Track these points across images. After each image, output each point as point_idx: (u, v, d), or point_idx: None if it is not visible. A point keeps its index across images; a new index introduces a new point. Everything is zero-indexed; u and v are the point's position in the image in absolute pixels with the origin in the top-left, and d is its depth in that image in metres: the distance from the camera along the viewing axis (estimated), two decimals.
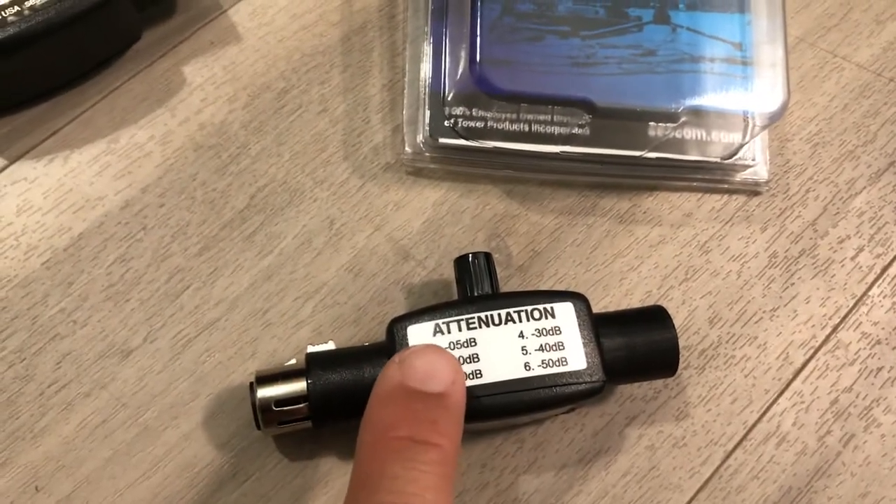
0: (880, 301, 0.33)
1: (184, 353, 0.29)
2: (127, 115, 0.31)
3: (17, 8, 0.28)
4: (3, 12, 0.28)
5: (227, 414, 0.29)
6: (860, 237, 0.34)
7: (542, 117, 0.32)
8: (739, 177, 0.34)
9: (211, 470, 0.28)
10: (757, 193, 0.34)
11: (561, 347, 0.27)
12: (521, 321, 0.27)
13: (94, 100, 0.31)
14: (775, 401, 0.32)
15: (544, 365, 0.27)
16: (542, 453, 0.30)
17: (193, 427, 0.28)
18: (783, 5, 0.33)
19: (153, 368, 0.29)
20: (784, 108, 0.32)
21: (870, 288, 0.34)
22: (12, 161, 0.30)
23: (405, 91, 0.33)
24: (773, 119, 0.32)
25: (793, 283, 0.33)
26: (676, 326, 0.32)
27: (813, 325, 0.33)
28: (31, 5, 0.28)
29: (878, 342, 0.33)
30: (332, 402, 0.27)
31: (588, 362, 0.27)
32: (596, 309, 0.29)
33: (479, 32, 0.31)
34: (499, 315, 0.27)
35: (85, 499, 0.27)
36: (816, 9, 0.38)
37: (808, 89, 0.37)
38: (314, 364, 0.27)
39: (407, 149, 0.32)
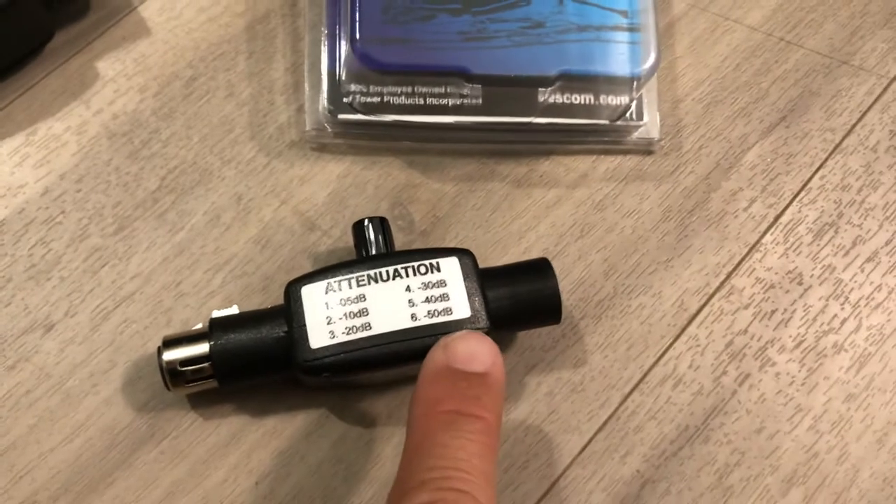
0: (773, 248, 0.35)
1: (102, 325, 0.31)
2: (44, 110, 0.34)
3: None
4: None
5: (144, 379, 0.31)
6: (752, 189, 0.36)
7: (435, 90, 0.34)
8: (632, 137, 0.36)
9: (130, 431, 0.30)
10: (650, 153, 0.36)
11: (446, 298, 0.29)
12: (407, 276, 0.29)
13: (12, 97, 0.34)
14: (671, 345, 0.33)
15: (430, 315, 0.29)
16: None
17: (112, 393, 0.30)
18: None
19: (74, 340, 0.31)
20: (656, 64, 0.34)
21: (762, 236, 0.35)
22: None
23: (306, 73, 0.35)
24: (648, 75, 0.34)
25: (686, 235, 0.35)
26: (572, 280, 0.34)
27: (707, 274, 0.34)
28: None
29: (772, 286, 0.34)
30: (234, 360, 0.29)
31: (472, 311, 0.29)
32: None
33: (358, 11, 0.33)
34: (386, 272, 0.29)
35: (11, 463, 0.29)
36: None
37: (700, 52, 0.38)
38: (217, 327, 0.29)
39: (309, 126, 0.34)
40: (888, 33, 0.39)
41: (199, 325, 0.30)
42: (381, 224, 0.31)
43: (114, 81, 0.34)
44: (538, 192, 0.35)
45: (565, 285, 0.33)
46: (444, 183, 0.35)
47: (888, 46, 0.39)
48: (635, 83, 0.34)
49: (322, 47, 0.34)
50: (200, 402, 0.31)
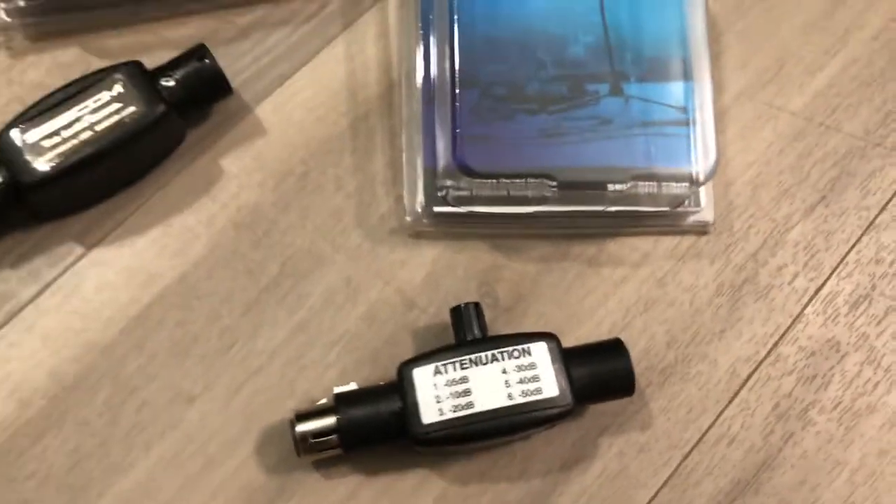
0: (814, 318, 0.40)
1: (236, 396, 0.36)
2: (177, 204, 0.38)
3: (90, 132, 0.35)
4: (80, 136, 0.35)
5: (273, 445, 0.36)
6: (796, 264, 0.41)
7: (517, 184, 0.39)
8: (689, 220, 0.41)
9: (263, 491, 0.35)
10: (705, 233, 0.41)
11: (537, 380, 0.34)
12: (503, 360, 0.34)
13: (151, 194, 0.39)
14: (725, 408, 0.38)
15: (524, 394, 0.34)
16: (530, 463, 0.37)
17: (247, 456, 0.36)
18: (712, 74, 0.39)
19: (212, 410, 0.36)
20: (716, 166, 0.38)
21: (804, 308, 0.40)
22: (89, 248, 0.38)
23: (404, 167, 0.39)
24: (709, 176, 0.38)
25: (737, 308, 0.40)
26: (638, 350, 0.38)
27: (756, 343, 0.39)
28: (103, 128, 0.35)
29: (813, 353, 0.39)
30: (357, 432, 0.34)
31: (559, 390, 0.34)
32: (571, 339, 0.36)
33: (458, 121, 0.37)
34: (485, 356, 0.34)
35: None
36: (755, 65, 0.44)
37: (748, 138, 0.43)
38: (341, 402, 0.34)
39: (407, 216, 0.39)
40: None
41: (324, 400, 0.35)
42: (476, 309, 0.36)
43: (236, 178, 0.39)
44: (606, 271, 0.40)
45: (632, 355, 0.38)
46: (525, 264, 0.39)
47: None
48: (695, 177, 0.39)
49: (417, 145, 0.39)
50: (322, 464, 0.36)
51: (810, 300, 0.40)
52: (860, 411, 0.38)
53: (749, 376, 0.39)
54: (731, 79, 0.44)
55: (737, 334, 0.39)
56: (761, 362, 0.39)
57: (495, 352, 0.34)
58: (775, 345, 0.39)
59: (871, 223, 0.42)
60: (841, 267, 0.41)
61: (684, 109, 0.40)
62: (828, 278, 0.40)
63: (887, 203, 0.42)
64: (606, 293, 0.39)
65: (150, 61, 0.37)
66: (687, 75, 0.40)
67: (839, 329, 0.40)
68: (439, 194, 0.38)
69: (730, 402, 0.38)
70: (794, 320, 0.40)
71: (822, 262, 0.41)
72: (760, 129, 0.43)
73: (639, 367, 0.38)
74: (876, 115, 0.44)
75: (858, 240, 0.41)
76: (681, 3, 0.41)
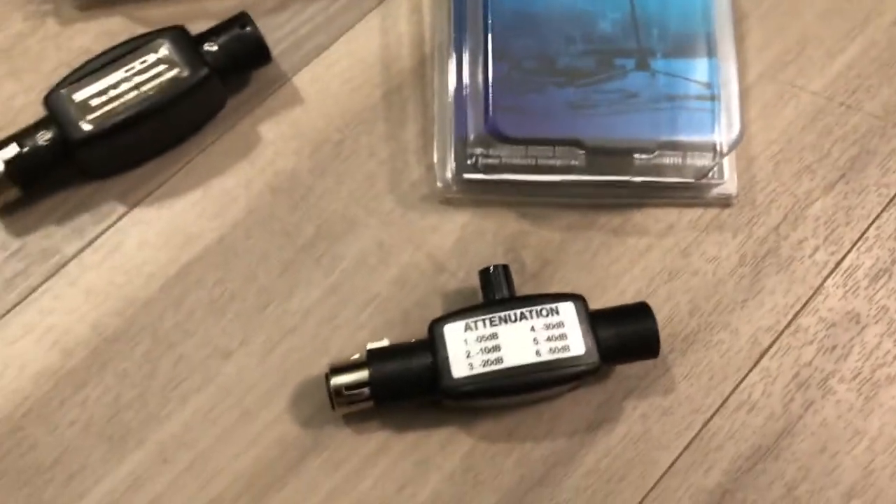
0: (834, 291, 0.41)
1: (272, 353, 0.37)
2: (217, 168, 0.40)
3: (136, 92, 0.36)
4: (126, 96, 0.36)
5: (306, 400, 0.37)
6: (816, 238, 0.41)
7: (546, 152, 0.40)
8: (713, 192, 0.42)
9: (297, 443, 0.36)
10: (728, 205, 0.42)
11: (564, 338, 0.35)
12: (532, 318, 0.35)
13: (192, 156, 0.40)
14: (746, 376, 0.39)
15: (551, 351, 0.35)
16: (556, 423, 0.37)
17: (281, 410, 0.37)
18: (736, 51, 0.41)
19: (248, 365, 0.37)
20: (740, 137, 0.39)
21: (825, 280, 0.41)
22: (131, 208, 0.39)
23: (435, 136, 0.41)
24: (732, 147, 0.39)
25: (759, 279, 0.41)
26: (662, 318, 0.39)
27: (777, 313, 0.40)
28: (147, 88, 0.36)
29: (833, 325, 0.40)
30: (389, 386, 0.35)
31: (586, 348, 0.35)
32: (595, 306, 0.37)
33: (490, 90, 0.38)
34: (514, 314, 0.35)
35: (201, 468, 0.36)
36: (777, 47, 0.45)
37: (770, 116, 0.44)
38: (373, 357, 0.35)
39: (438, 183, 0.40)
40: None
41: (357, 355, 0.36)
42: (505, 271, 0.37)
43: (273, 144, 0.40)
44: (632, 240, 0.41)
45: (659, 324, 0.39)
46: (552, 231, 0.40)
47: None
48: (719, 149, 0.40)
49: (448, 114, 0.40)
50: (353, 419, 0.37)
51: (830, 273, 0.41)
52: (880, 381, 0.39)
53: (770, 345, 0.40)
54: (754, 59, 0.45)
55: (758, 304, 0.40)
56: (782, 332, 0.40)
57: (524, 310, 0.35)
58: (796, 315, 0.40)
59: (891, 200, 0.42)
60: (861, 242, 0.42)
61: (709, 85, 0.41)
62: (848, 252, 0.41)
63: None
64: (631, 261, 0.40)
65: (193, 30, 0.39)
66: (711, 52, 0.42)
67: (859, 301, 0.40)
68: (469, 162, 0.40)
69: (751, 369, 0.39)
70: (814, 292, 0.41)
71: (843, 236, 0.42)
72: (783, 108, 0.44)
73: (662, 333, 0.38)
74: (895, 96, 0.44)
75: (878, 216, 0.42)
76: None
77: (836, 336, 0.40)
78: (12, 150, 0.36)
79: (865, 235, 0.42)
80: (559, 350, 0.35)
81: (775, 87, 0.44)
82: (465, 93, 0.40)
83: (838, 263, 0.41)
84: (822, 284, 0.41)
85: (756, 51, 0.45)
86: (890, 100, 0.44)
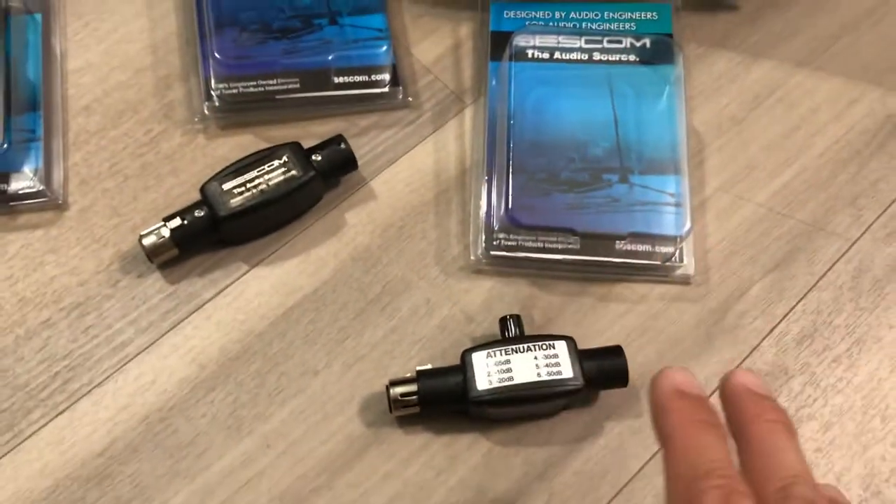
0: (768, 349, 0.54)
1: (347, 373, 0.52)
2: (314, 242, 0.55)
3: (264, 186, 0.52)
4: (257, 188, 0.52)
5: (370, 408, 0.51)
6: (756, 311, 0.55)
7: (551, 238, 0.55)
8: (676, 273, 0.56)
9: (362, 438, 0.50)
10: (688, 283, 0.56)
11: (558, 365, 0.49)
12: (535, 350, 0.49)
13: (297, 233, 0.56)
14: None
15: (549, 374, 0.48)
16: (553, 434, 0.51)
17: (353, 414, 0.51)
18: (692, 172, 0.56)
19: (330, 381, 0.51)
20: (689, 231, 0.54)
21: (761, 341, 0.54)
22: (252, 267, 0.54)
23: (471, 225, 0.56)
24: (685, 237, 0.54)
25: (711, 339, 0.54)
26: (636, 364, 0.53)
27: (724, 364, 0.53)
28: (272, 184, 0.52)
29: (767, 374, 0.53)
30: (431, 395, 0.49)
31: (574, 374, 0.48)
32: (583, 348, 0.51)
33: (510, 193, 0.54)
34: (522, 347, 0.49)
35: (293, 453, 0.49)
36: (730, 169, 0.60)
37: (723, 220, 0.58)
38: (421, 375, 0.49)
39: (472, 258, 0.55)
40: (852, 210, 0.59)
41: (409, 374, 0.50)
42: (516, 319, 0.51)
43: (354, 227, 0.56)
44: (613, 306, 0.55)
45: (630, 367, 0.52)
46: (554, 296, 0.55)
47: (851, 220, 0.58)
48: (678, 240, 0.55)
49: (481, 210, 0.56)
50: (403, 422, 0.50)
51: (765, 336, 0.54)
52: (802, 418, 0.52)
53: (716, 389, 0.53)
54: (712, 178, 0.60)
55: (709, 357, 0.54)
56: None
57: (530, 345, 0.49)
58: (738, 365, 0.53)
59: (815, 284, 0.56)
60: (790, 314, 0.55)
61: (673, 195, 0.56)
62: (779, 322, 0.55)
63: (827, 271, 0.57)
64: (612, 321, 0.54)
65: (304, 145, 0.55)
66: (677, 171, 0.57)
67: (787, 358, 0.54)
68: (494, 243, 0.55)
69: None
70: (752, 349, 0.54)
71: (776, 310, 0.55)
72: (733, 214, 0.59)
73: (635, 374, 0.52)
74: (820, 208, 0.59)
75: (804, 296, 0.56)
76: (673, 122, 0.58)
77: (769, 383, 0.53)
78: (176, 221, 0.52)
79: (794, 310, 0.55)
80: (554, 373, 0.48)
81: (728, 198, 0.59)
82: (493, 195, 0.56)
83: (771, 330, 0.55)
84: (758, 344, 0.54)
85: (714, 172, 0.60)
86: (816, 210, 0.59)
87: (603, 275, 0.56)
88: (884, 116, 0.62)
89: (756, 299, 0.56)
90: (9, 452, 0.49)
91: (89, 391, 0.50)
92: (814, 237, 0.58)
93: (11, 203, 0.54)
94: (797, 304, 0.55)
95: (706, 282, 0.56)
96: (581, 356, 0.49)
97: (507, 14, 0.62)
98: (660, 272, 0.56)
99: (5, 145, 0.53)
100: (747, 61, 0.64)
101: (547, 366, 0.49)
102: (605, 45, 0.61)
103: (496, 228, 0.55)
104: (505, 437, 0.51)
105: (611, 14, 0.62)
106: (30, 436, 0.49)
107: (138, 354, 0.51)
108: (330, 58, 0.58)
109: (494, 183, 0.56)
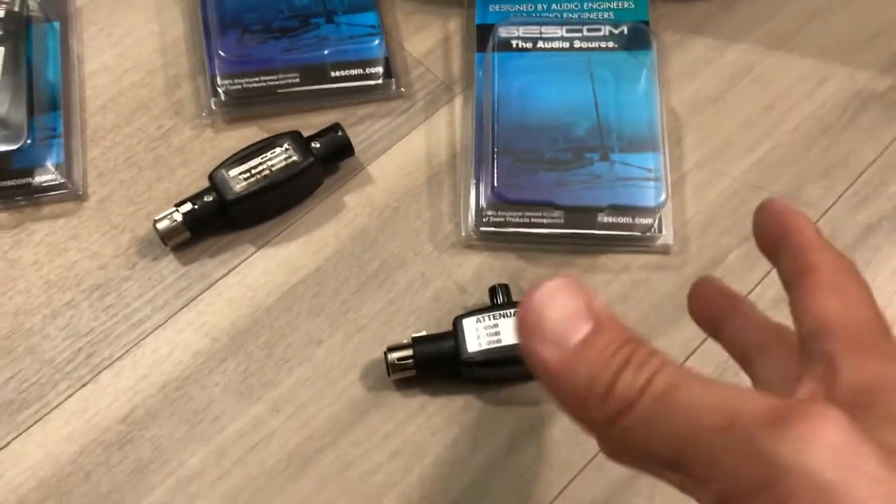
0: None
1: (348, 342, 0.56)
2: (316, 224, 0.59)
3: (267, 171, 0.56)
4: (261, 174, 0.56)
5: (371, 373, 0.55)
6: (731, 276, 0.59)
7: (536, 213, 0.58)
8: (656, 243, 0.59)
9: (364, 401, 0.54)
10: (667, 253, 0.60)
11: None
12: None
13: (300, 216, 0.60)
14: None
15: None
16: (541, 395, 0.54)
17: (354, 380, 0.54)
18: (670, 148, 0.60)
19: (333, 350, 0.55)
20: (665, 201, 0.58)
21: None
22: (259, 248, 0.59)
23: (462, 204, 0.60)
24: (661, 207, 0.58)
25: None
26: None
27: (698, 330, 0.57)
28: (275, 170, 0.56)
29: None
30: (427, 359, 0.53)
31: None
32: None
33: (496, 173, 0.58)
34: (509, 311, 0.53)
35: (300, 416, 0.53)
36: (707, 146, 0.64)
37: (700, 193, 0.62)
38: (416, 341, 0.53)
39: (462, 234, 0.59)
40: (824, 181, 0.62)
41: (405, 341, 0.54)
42: (504, 287, 0.55)
43: (353, 209, 0.60)
44: (598, 276, 0.59)
45: None
46: (541, 269, 0.59)
47: (823, 191, 0.62)
48: (656, 209, 0.58)
49: (470, 190, 0.60)
50: (401, 385, 0.54)
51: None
52: None
53: (696, 348, 0.56)
54: (689, 154, 0.63)
55: (688, 322, 0.57)
56: (705, 339, 0.56)
57: (516, 309, 0.53)
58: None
59: None
60: (765, 279, 0.59)
61: (651, 170, 0.60)
62: (755, 287, 0.58)
63: None
64: (597, 290, 0.58)
65: (304, 133, 0.59)
66: (654, 148, 0.60)
67: None
68: (483, 220, 0.59)
69: (683, 362, 0.56)
70: None
71: (752, 276, 0.59)
72: (710, 188, 0.62)
73: None
74: (793, 180, 0.62)
75: None
76: (651, 103, 0.62)
77: None
78: (187, 206, 0.56)
79: (768, 276, 0.59)
80: None
81: (705, 173, 0.63)
82: (481, 175, 0.60)
83: (747, 294, 0.58)
84: None
85: (691, 149, 0.64)
86: (789, 183, 0.62)
87: (587, 247, 0.59)
88: (853, 92, 0.66)
89: (732, 266, 0.59)
90: (39, 421, 0.53)
91: (110, 364, 0.55)
92: None
93: (36, 195, 0.59)
94: (771, 270, 0.59)
95: (684, 251, 0.60)
96: None
97: (492, 8, 0.66)
98: (641, 243, 0.59)
99: (29, 142, 0.58)
100: (722, 45, 0.68)
101: None
102: (585, 33, 0.65)
103: (484, 206, 0.59)
104: (496, 397, 0.54)
105: (590, 4, 0.66)
106: (57, 406, 0.53)
107: (155, 330, 0.56)
108: (326, 53, 0.62)
109: (483, 164, 0.60)
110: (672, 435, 0.22)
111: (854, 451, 0.20)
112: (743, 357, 0.36)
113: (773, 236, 0.32)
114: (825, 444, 0.20)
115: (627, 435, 0.23)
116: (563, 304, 0.25)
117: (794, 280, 0.30)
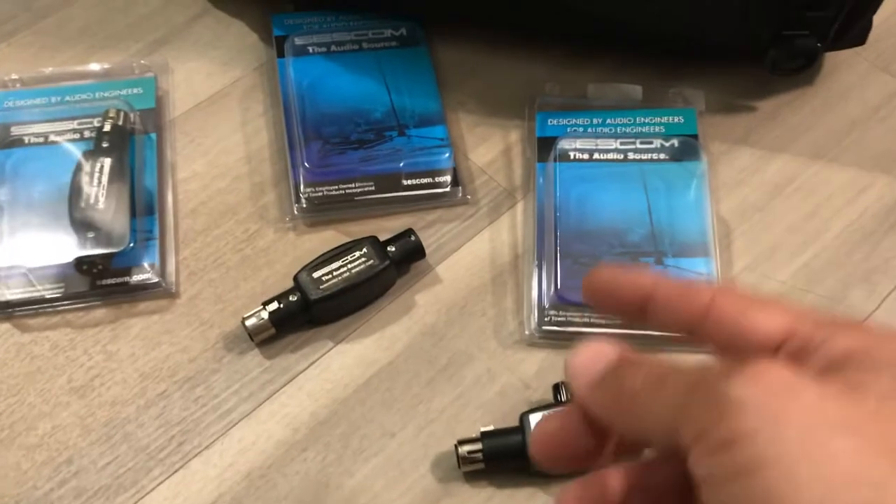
0: None
1: (420, 434, 0.59)
2: (389, 320, 0.64)
3: (347, 273, 0.61)
4: (342, 276, 0.61)
5: (441, 465, 0.58)
6: None
7: (597, 315, 0.62)
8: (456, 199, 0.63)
9: (435, 492, 0.57)
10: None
11: None
12: None
13: (374, 313, 0.64)
14: None
15: None
16: None
17: (425, 471, 0.58)
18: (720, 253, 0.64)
19: (406, 441, 0.59)
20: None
21: None
22: (337, 343, 0.63)
23: (525, 303, 0.64)
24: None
25: None
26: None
27: None
28: (354, 272, 0.61)
29: None
30: (494, 453, 0.56)
31: None
32: None
33: (558, 275, 0.62)
34: None
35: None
36: (755, 251, 0.67)
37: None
38: (485, 435, 0.57)
39: (526, 332, 0.63)
40: (867, 285, 0.66)
41: (475, 434, 0.57)
42: (567, 385, 0.59)
43: (423, 307, 0.64)
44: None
45: None
46: None
47: (866, 293, 0.65)
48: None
49: (533, 291, 0.64)
50: (470, 477, 0.57)
51: None
52: None
53: None
54: (739, 259, 0.67)
55: None
56: None
57: None
58: None
59: None
60: None
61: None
62: None
63: None
64: None
65: (380, 237, 0.64)
66: (706, 253, 0.65)
67: None
68: (546, 319, 0.63)
69: None
70: None
71: None
72: (759, 290, 0.66)
73: None
74: (838, 284, 0.66)
75: None
76: (701, 211, 0.66)
77: None
78: (274, 305, 0.61)
79: None
80: None
81: (754, 276, 0.67)
82: (543, 277, 0.64)
83: None
84: None
85: (740, 254, 0.68)
86: (834, 286, 0.66)
87: (649, 346, 0.63)
88: (893, 201, 0.70)
89: None
90: None
91: (199, 452, 0.59)
92: (833, 310, 0.64)
93: (133, 293, 0.64)
94: None
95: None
96: None
97: (550, 122, 0.72)
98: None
99: (132, 244, 0.63)
100: (767, 156, 0.72)
101: None
102: (638, 145, 0.70)
103: (547, 306, 0.63)
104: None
105: (642, 119, 0.71)
106: (150, 491, 0.57)
107: (241, 420, 0.60)
108: (401, 165, 0.68)
109: (544, 267, 0.64)
110: (669, 402, 0.28)
111: (792, 386, 0.24)
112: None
113: (629, 299, 0.35)
114: (767, 380, 0.24)
115: (637, 406, 0.30)
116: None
117: (697, 322, 0.32)
